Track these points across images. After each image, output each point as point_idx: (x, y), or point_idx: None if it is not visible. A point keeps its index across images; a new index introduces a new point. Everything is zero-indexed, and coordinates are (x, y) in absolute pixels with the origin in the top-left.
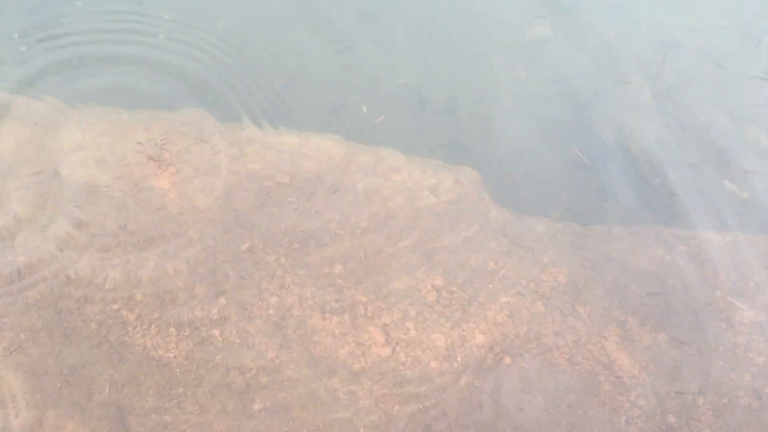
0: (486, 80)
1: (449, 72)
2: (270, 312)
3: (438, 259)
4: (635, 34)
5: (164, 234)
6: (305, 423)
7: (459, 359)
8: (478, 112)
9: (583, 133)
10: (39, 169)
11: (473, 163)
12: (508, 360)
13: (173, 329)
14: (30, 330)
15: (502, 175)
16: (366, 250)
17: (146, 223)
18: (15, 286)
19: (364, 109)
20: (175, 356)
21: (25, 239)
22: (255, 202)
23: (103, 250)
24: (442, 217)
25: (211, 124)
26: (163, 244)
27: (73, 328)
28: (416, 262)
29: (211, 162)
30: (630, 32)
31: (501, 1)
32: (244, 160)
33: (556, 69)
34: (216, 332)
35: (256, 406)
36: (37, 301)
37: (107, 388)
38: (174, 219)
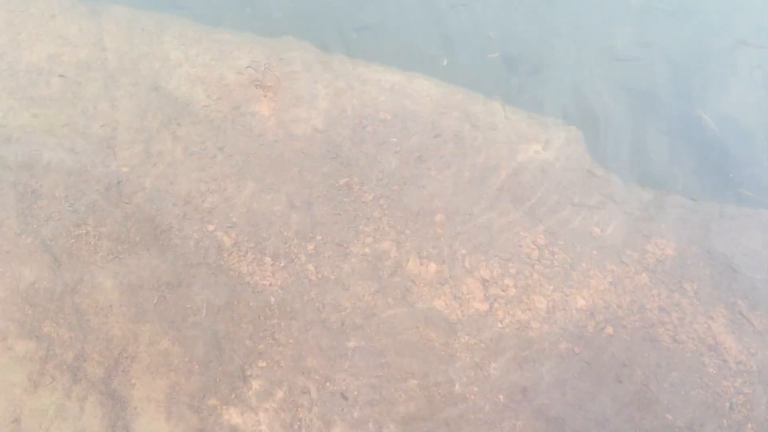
0: (581, 44)
1: (541, 35)
2: (366, 252)
3: (541, 217)
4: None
5: (261, 161)
6: (399, 370)
7: (559, 323)
8: (564, 76)
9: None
10: (140, 79)
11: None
12: (610, 330)
13: (269, 258)
14: (128, 242)
15: (604, 139)
16: (467, 199)
17: (244, 148)
18: (114, 196)
19: (445, 62)
20: (270, 286)
21: (126, 150)
22: (354, 138)
23: (201, 169)
24: (546, 174)
25: (313, 53)
26: (260, 171)
27: (170, 244)
28: (518, 218)
29: (313, 92)
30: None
31: None
32: (349, 94)
33: (657, 37)
34: (311, 267)
35: (350, 345)
36: (135, 213)
37: (203, 310)
38: (272, 147)
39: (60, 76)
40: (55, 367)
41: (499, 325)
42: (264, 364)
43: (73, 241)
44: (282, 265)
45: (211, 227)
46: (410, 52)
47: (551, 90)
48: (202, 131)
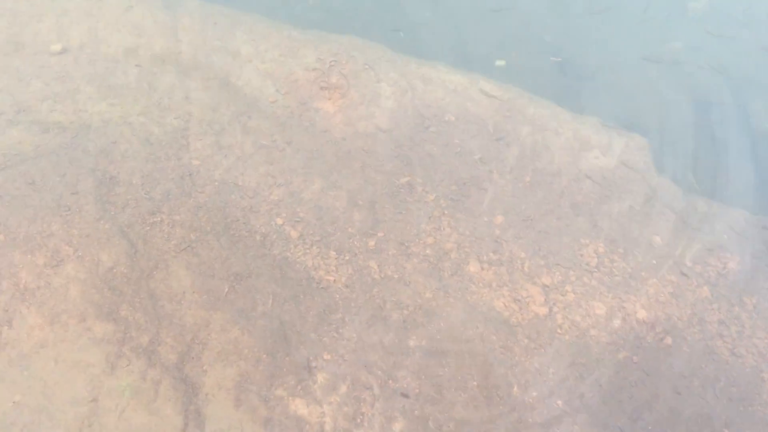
0: (636, 50)
1: (594, 40)
2: (427, 252)
3: (601, 225)
4: None
5: (327, 158)
6: (460, 370)
7: (618, 331)
8: (620, 82)
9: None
10: (212, 74)
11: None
12: (669, 341)
13: (333, 252)
14: (199, 231)
15: (665, 147)
16: (528, 204)
17: (310, 143)
18: (187, 186)
19: (501, 63)
20: (334, 280)
21: (199, 141)
22: (417, 138)
23: (269, 162)
24: (608, 181)
25: (378, 52)
26: (325, 167)
27: (240, 235)
28: (579, 225)
29: (377, 91)
30: None
31: None
32: (412, 93)
33: (717, 46)
34: (374, 263)
35: (412, 343)
36: (206, 204)
37: (270, 301)
38: (337, 144)
39: (136, 66)
40: (131, 350)
41: (559, 330)
42: (329, 357)
43: (148, 228)
44: (346, 259)
45: (279, 220)
46: (466, 53)
47: (608, 95)
48: (271, 126)
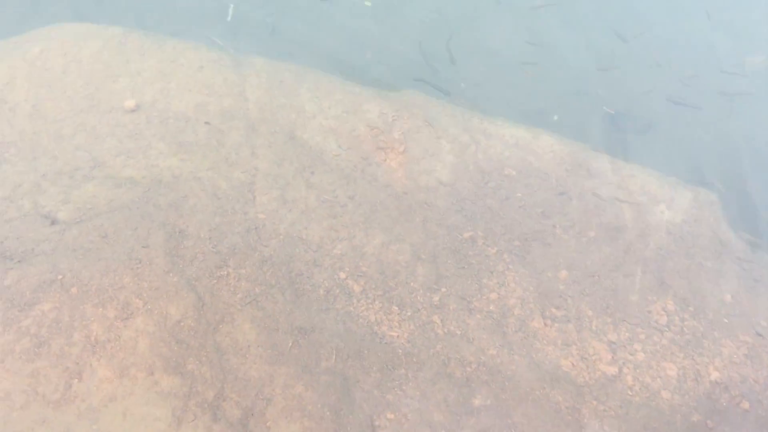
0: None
1: (649, 91)
2: (491, 308)
3: (670, 282)
4: None
5: (389, 211)
6: (526, 430)
7: (691, 393)
8: (678, 134)
9: None
10: (278, 128)
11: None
12: (746, 405)
13: (396, 307)
14: (264, 284)
15: (734, 202)
16: (593, 259)
17: (373, 198)
18: (253, 239)
19: (555, 118)
20: (398, 336)
21: (265, 196)
22: (479, 192)
23: (332, 216)
24: (676, 237)
25: (438, 108)
26: (387, 221)
27: (303, 289)
28: (647, 282)
29: (438, 146)
30: None
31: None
32: (473, 148)
33: None
34: (437, 319)
35: (476, 402)
36: (271, 257)
37: (334, 357)
38: (399, 198)
39: (206, 123)
40: (197, 404)
41: (629, 392)
42: (392, 416)
43: (215, 281)
44: (408, 315)
45: (342, 274)
46: (522, 108)
47: (668, 149)
48: (334, 180)
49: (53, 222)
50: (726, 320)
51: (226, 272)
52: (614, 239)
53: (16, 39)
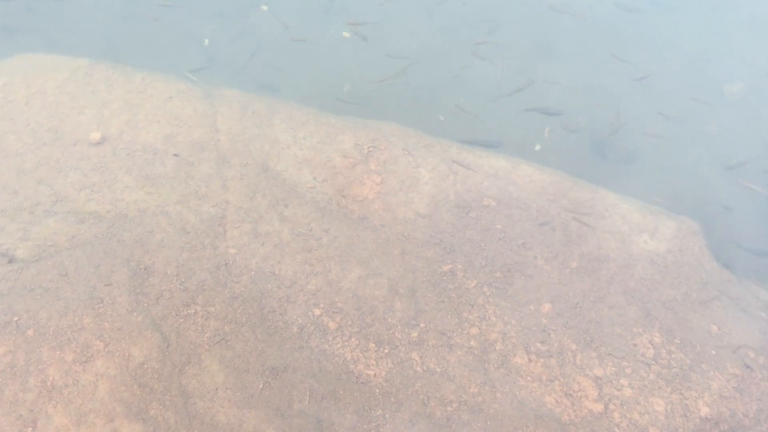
0: (676, 128)
1: (632, 118)
2: (471, 344)
3: (655, 314)
4: None
5: (366, 245)
6: None
7: (681, 430)
8: (661, 164)
9: None
10: (250, 161)
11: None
12: None
13: (373, 345)
14: (234, 322)
15: (718, 230)
16: (575, 291)
17: (349, 231)
18: (223, 276)
19: (537, 147)
20: (374, 375)
21: (236, 230)
22: (458, 224)
23: (306, 250)
24: (659, 267)
25: (416, 138)
26: (364, 254)
27: (276, 327)
28: (631, 313)
29: (416, 176)
30: None
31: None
32: (452, 178)
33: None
34: (415, 356)
35: None
36: (241, 294)
37: (307, 398)
38: (376, 230)
39: (174, 155)
40: None
41: (616, 429)
42: None
43: (182, 320)
44: (386, 352)
45: (316, 311)
46: (501, 136)
47: (650, 176)
48: (308, 213)
49: (11, 260)
50: (714, 352)
51: (193, 310)
52: (597, 270)
53: None
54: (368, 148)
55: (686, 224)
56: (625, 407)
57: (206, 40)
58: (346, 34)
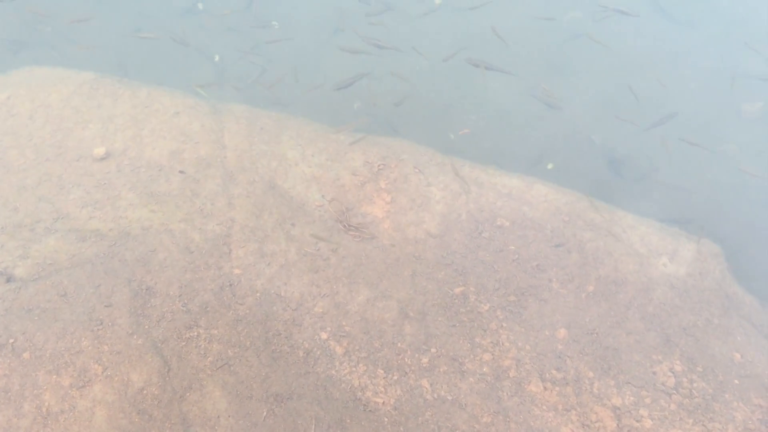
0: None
1: (647, 136)
2: (484, 370)
3: (676, 340)
4: None
5: (375, 265)
6: None
7: None
8: (679, 183)
9: None
10: (257, 177)
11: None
12: None
13: (381, 371)
14: (238, 346)
15: (740, 254)
16: (592, 316)
17: (357, 250)
18: (227, 297)
19: (550, 166)
20: (383, 403)
21: (241, 249)
22: (471, 244)
23: (313, 271)
24: (680, 292)
25: (428, 155)
26: (373, 276)
27: (281, 352)
28: (651, 340)
29: (427, 195)
30: None
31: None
32: (464, 198)
33: None
34: (425, 383)
35: None
36: (246, 316)
37: (313, 427)
38: (385, 250)
39: (180, 172)
40: None
41: None
42: None
43: (183, 343)
44: (395, 378)
45: (323, 334)
46: (514, 155)
47: (669, 197)
48: (316, 232)
49: (9, 279)
50: (737, 381)
51: (196, 333)
52: (615, 294)
53: None
54: (378, 166)
55: (707, 247)
56: None
57: (216, 56)
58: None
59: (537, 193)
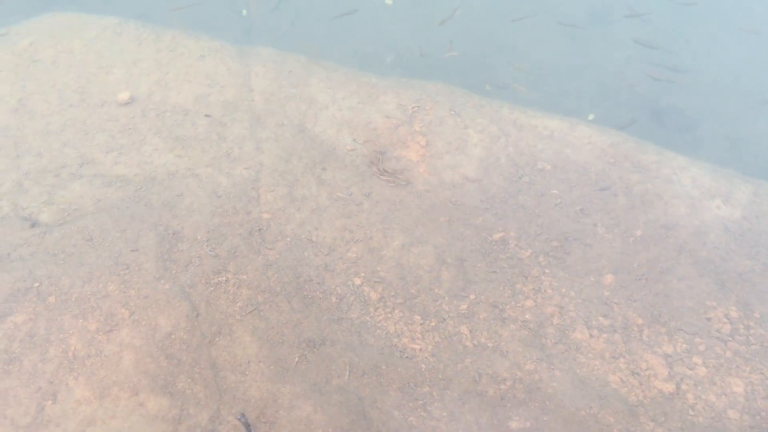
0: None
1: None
2: (526, 317)
3: (731, 286)
4: None
5: (410, 211)
6: None
7: (763, 414)
8: (725, 133)
9: None
10: (286, 121)
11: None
12: None
13: (418, 317)
14: (268, 291)
15: None
16: (641, 261)
17: (391, 196)
18: (256, 242)
19: (590, 117)
20: (420, 349)
21: (270, 194)
22: (510, 189)
23: (346, 216)
24: (735, 235)
25: (464, 97)
26: (408, 221)
27: (313, 297)
28: (704, 285)
29: (464, 138)
30: None
31: None
32: (503, 140)
33: None
34: (465, 329)
35: (513, 425)
36: (276, 261)
37: (347, 373)
38: (420, 195)
39: (206, 116)
40: (188, 429)
41: (690, 412)
42: None
43: (212, 289)
44: (432, 325)
45: (357, 280)
46: (554, 105)
47: (714, 146)
48: (348, 176)
49: (34, 224)
50: None
51: (224, 278)
52: (665, 238)
53: (6, 30)
54: (412, 108)
55: (764, 188)
56: (699, 388)
57: (244, 11)
58: (389, 2)
59: (580, 135)
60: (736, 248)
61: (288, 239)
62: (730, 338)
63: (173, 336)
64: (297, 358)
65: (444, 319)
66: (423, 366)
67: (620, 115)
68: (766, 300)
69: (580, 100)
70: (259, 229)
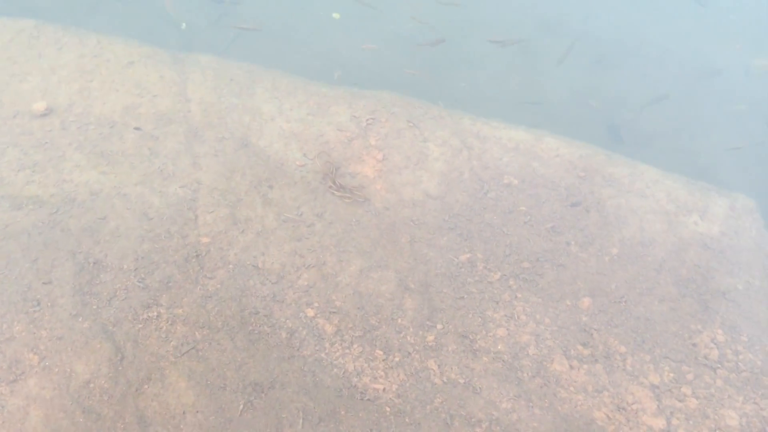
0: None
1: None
2: (499, 348)
3: (715, 306)
4: None
5: (367, 231)
6: None
7: None
8: (683, 146)
9: None
10: (227, 134)
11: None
12: None
13: (380, 352)
14: (208, 327)
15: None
16: (618, 282)
17: (345, 215)
18: (193, 270)
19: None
20: (384, 390)
21: (210, 215)
22: (476, 206)
23: (296, 239)
24: (715, 252)
25: (421, 108)
26: (366, 243)
27: (259, 333)
28: (687, 307)
29: (423, 152)
30: None
31: None
32: (466, 153)
33: None
34: (433, 364)
35: None
36: (217, 292)
37: (300, 421)
38: (379, 214)
39: (135, 129)
40: None
41: None
42: None
43: (140, 326)
44: (397, 361)
45: (309, 311)
46: (510, 116)
47: (672, 159)
48: (298, 194)
49: None
50: None
51: (155, 313)
52: (642, 257)
53: None
54: (367, 120)
55: (740, 202)
56: (691, 422)
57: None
58: (336, 15)
59: (547, 147)
60: (717, 266)
61: (230, 266)
62: (719, 365)
63: (92, 385)
64: (242, 406)
65: (409, 354)
66: (387, 409)
67: (578, 130)
68: (753, 321)
69: (535, 112)
70: (197, 255)
